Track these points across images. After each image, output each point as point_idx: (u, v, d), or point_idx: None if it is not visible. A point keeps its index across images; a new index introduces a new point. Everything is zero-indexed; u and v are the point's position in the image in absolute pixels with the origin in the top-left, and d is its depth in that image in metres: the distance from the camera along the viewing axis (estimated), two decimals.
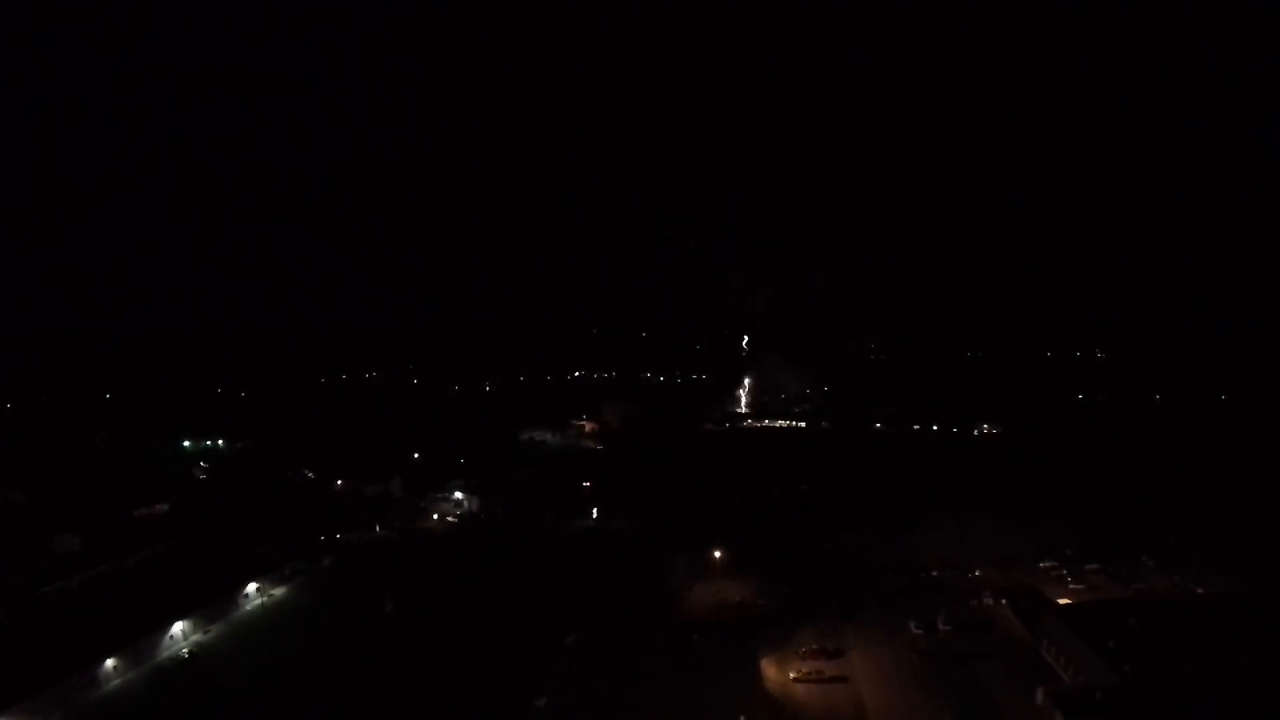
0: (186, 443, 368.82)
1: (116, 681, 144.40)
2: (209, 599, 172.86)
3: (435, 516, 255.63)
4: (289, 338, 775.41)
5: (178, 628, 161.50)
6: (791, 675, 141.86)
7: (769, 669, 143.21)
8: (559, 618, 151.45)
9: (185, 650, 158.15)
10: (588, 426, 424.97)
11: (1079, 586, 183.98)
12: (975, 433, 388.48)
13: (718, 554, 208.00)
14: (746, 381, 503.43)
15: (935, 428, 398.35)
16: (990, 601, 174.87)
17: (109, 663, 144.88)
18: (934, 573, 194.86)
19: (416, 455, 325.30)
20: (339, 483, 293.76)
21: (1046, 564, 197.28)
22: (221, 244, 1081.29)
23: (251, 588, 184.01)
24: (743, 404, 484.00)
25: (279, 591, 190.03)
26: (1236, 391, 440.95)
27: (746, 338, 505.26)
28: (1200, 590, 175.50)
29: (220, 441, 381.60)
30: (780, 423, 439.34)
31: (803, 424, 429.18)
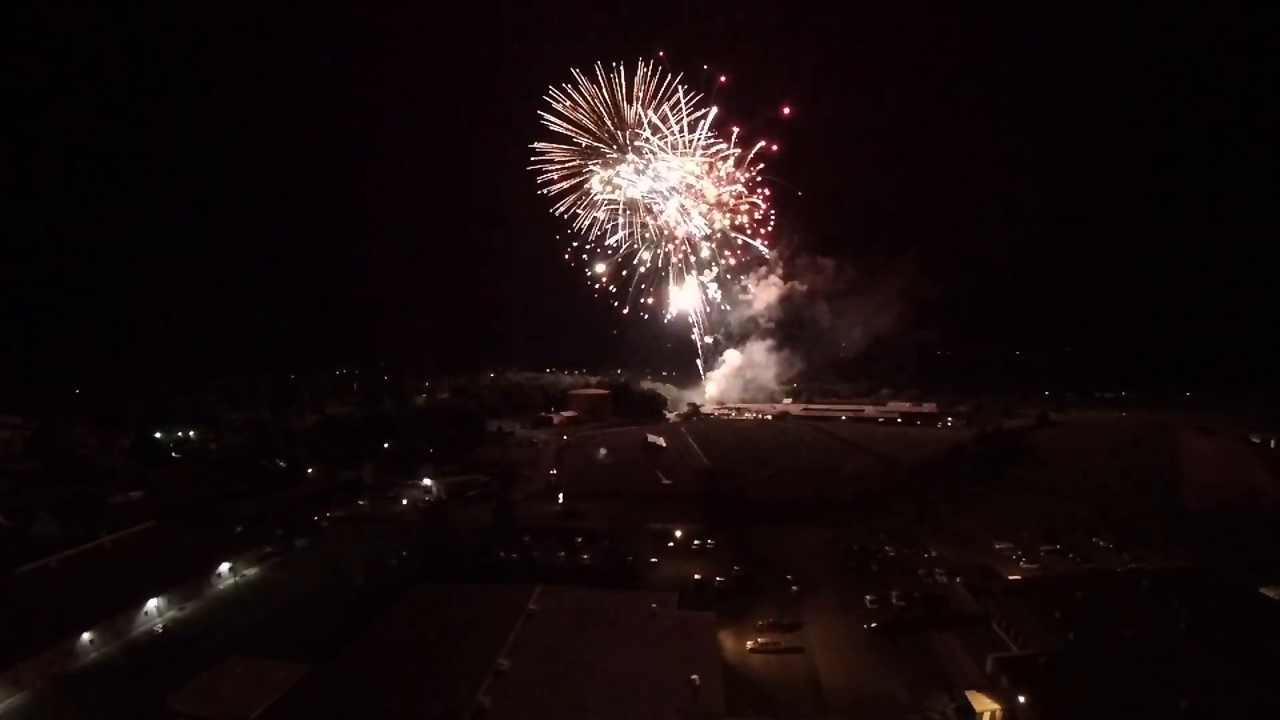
0: (159, 434, 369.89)
1: (94, 654, 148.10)
2: (183, 578, 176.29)
3: (404, 502, 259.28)
4: (262, 333, 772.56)
5: (152, 604, 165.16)
6: (749, 646, 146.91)
7: (726, 640, 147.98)
8: (524, 590, 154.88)
9: (160, 626, 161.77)
10: (556, 418, 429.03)
11: (1032, 566, 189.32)
12: (939, 424, 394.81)
13: (679, 533, 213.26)
14: (714, 374, 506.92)
15: (899, 419, 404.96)
16: (944, 579, 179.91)
17: (86, 636, 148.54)
18: (891, 553, 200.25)
19: (387, 445, 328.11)
20: (310, 470, 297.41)
21: (1001, 545, 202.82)
22: (199, 239, 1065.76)
23: (224, 567, 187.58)
24: (709, 396, 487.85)
25: (252, 571, 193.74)
26: (1195, 386, 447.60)
27: (715, 337, 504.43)
28: (1149, 568, 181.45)
29: (193, 433, 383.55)
30: (747, 415, 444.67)
31: (768, 416, 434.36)
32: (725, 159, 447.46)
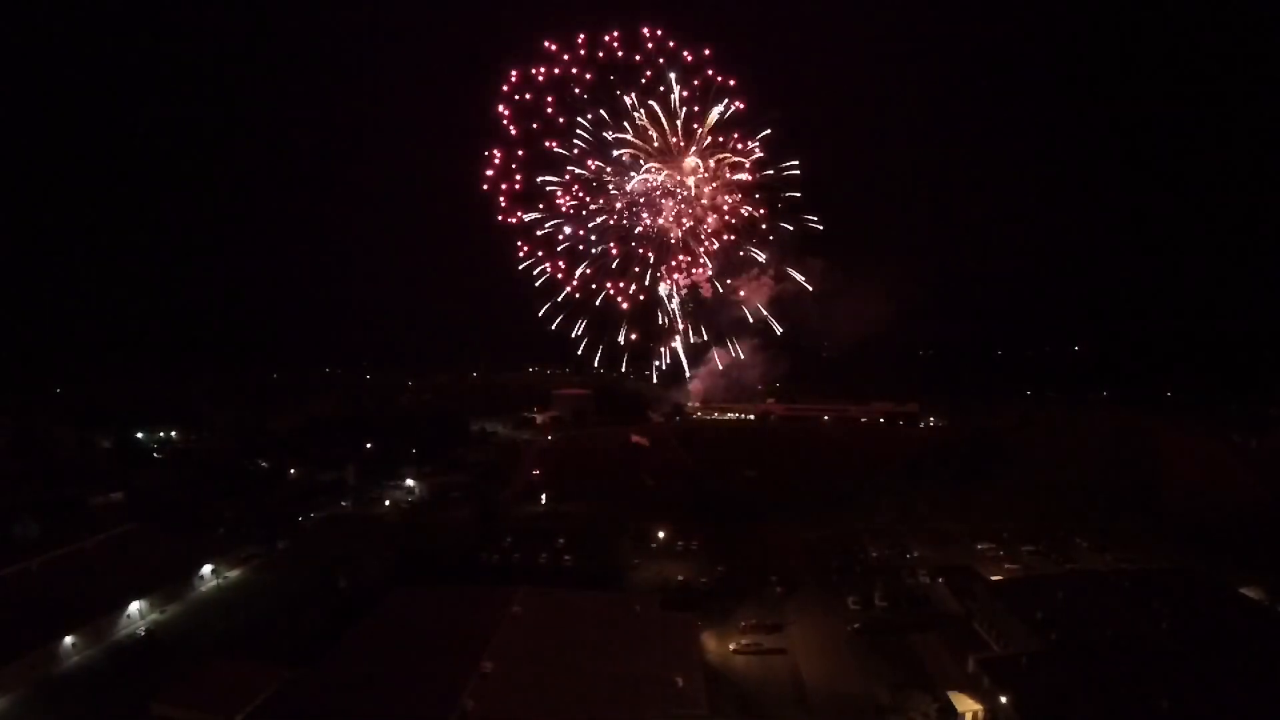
0: (140, 434, 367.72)
1: (76, 658, 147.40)
2: (166, 580, 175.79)
3: (388, 503, 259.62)
4: (245, 332, 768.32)
5: (135, 608, 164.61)
6: (731, 648, 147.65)
7: (709, 642, 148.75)
8: (507, 592, 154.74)
9: (142, 629, 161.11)
10: (539, 418, 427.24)
11: (1014, 566, 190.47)
12: (922, 425, 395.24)
13: (662, 534, 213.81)
14: (698, 375, 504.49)
15: (882, 420, 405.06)
16: (927, 580, 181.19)
17: (68, 640, 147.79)
18: (873, 554, 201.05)
19: (370, 445, 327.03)
20: (292, 471, 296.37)
21: (983, 545, 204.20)
22: (181, 236, 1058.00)
23: (207, 569, 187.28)
24: (693, 396, 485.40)
25: (234, 573, 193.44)
26: (1177, 387, 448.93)
27: (697, 335, 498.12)
28: (1130, 568, 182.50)
29: (174, 433, 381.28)
30: (730, 415, 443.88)
31: (751, 416, 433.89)
32: (720, 160, 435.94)
